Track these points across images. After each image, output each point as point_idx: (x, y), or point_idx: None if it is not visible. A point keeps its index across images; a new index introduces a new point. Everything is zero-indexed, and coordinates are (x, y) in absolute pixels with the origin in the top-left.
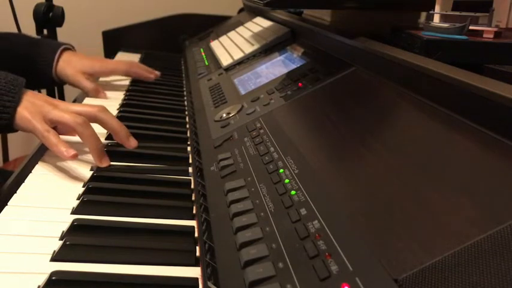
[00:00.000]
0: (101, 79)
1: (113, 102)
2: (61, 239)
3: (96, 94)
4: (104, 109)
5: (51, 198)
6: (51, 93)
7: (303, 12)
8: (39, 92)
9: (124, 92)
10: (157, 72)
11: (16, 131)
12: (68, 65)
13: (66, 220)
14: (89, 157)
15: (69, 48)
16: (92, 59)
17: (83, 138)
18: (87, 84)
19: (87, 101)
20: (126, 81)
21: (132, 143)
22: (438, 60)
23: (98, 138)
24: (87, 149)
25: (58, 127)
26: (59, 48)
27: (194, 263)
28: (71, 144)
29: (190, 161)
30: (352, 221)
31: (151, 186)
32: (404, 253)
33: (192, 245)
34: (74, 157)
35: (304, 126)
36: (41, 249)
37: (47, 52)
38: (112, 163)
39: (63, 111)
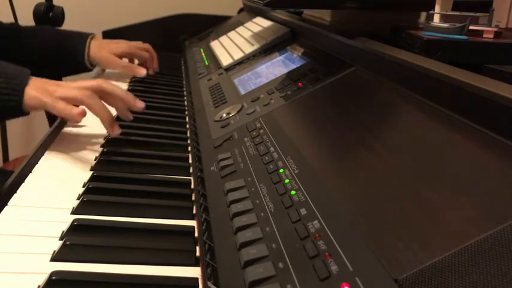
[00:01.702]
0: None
1: None
2: (61, 239)
3: (132, 72)
4: (105, 81)
5: (51, 198)
6: None
7: (303, 12)
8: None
9: (127, 85)
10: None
11: (26, 113)
12: (99, 50)
13: (66, 220)
14: (89, 157)
15: (94, 36)
16: (117, 41)
17: (93, 109)
18: (122, 63)
19: None
20: (126, 81)
21: (140, 105)
22: (438, 60)
23: (107, 108)
24: (87, 149)
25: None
26: (88, 36)
27: (194, 263)
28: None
29: (190, 161)
30: (352, 221)
31: (151, 186)
32: (404, 253)
33: (192, 245)
34: (82, 115)
35: (304, 126)
36: (41, 249)
37: (78, 42)
38: (113, 163)
39: (69, 88)
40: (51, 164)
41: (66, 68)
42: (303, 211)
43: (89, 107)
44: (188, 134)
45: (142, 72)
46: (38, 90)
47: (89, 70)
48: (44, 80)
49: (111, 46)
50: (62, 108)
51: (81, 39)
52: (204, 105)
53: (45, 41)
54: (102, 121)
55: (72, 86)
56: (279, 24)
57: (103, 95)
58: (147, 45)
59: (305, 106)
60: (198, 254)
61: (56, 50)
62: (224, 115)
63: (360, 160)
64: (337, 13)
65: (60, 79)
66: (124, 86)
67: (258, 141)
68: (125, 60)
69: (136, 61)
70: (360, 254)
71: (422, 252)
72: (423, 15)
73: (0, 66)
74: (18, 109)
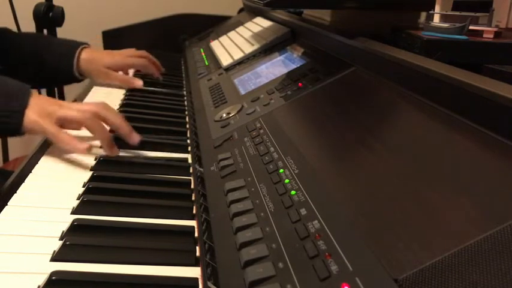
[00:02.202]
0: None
1: (113, 102)
2: (61, 239)
3: (129, 85)
4: (106, 106)
5: (51, 198)
6: (51, 93)
7: (303, 12)
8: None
9: (124, 92)
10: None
11: (24, 134)
12: (91, 62)
13: (66, 220)
14: (89, 157)
15: (86, 46)
16: (111, 54)
17: (93, 131)
18: (119, 77)
19: (88, 99)
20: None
21: (135, 139)
22: (438, 60)
23: (106, 130)
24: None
25: (64, 125)
26: (79, 47)
27: (194, 263)
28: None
29: (190, 161)
30: (352, 221)
31: (151, 186)
32: (404, 253)
33: (192, 245)
34: (89, 149)
35: (304, 126)
36: (41, 249)
37: (67, 51)
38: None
39: (70, 109)
40: (51, 164)
41: (56, 77)
42: (303, 211)
43: (88, 128)
44: (188, 134)
45: (138, 83)
46: (38, 113)
47: (80, 80)
48: (45, 99)
49: (104, 59)
50: (67, 141)
51: (72, 49)
52: (204, 105)
53: (36, 49)
54: (101, 142)
55: (73, 108)
56: (279, 24)
57: (101, 119)
58: (143, 52)
59: (305, 106)
60: (198, 254)
61: (45, 58)
62: (224, 115)
63: (360, 160)
64: (337, 13)
65: (54, 87)
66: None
67: (258, 141)
68: (120, 73)
69: (131, 71)
70: (360, 254)
71: (422, 252)
72: (423, 15)
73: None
74: (17, 132)
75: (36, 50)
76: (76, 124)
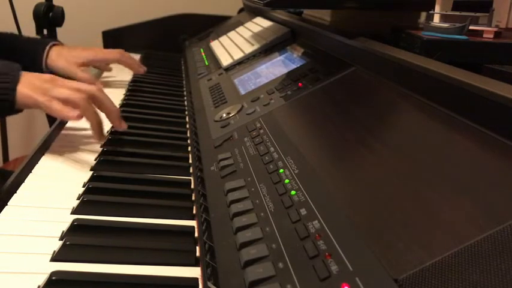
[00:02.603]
0: (101, 79)
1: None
2: (61, 239)
3: (81, 79)
4: (101, 88)
5: (51, 198)
6: None
7: (303, 12)
8: None
9: (124, 92)
10: (145, 68)
11: (19, 111)
12: (59, 58)
13: (66, 220)
14: (89, 157)
15: (58, 44)
16: (81, 49)
17: (86, 113)
18: (82, 75)
19: None
20: (126, 81)
21: (122, 125)
22: (438, 60)
23: (98, 115)
24: (87, 149)
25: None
26: (48, 44)
27: (194, 263)
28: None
29: (190, 161)
30: (352, 221)
31: (151, 186)
32: (404, 253)
33: (192, 245)
34: (79, 117)
35: (304, 126)
36: (41, 249)
37: (35, 49)
38: (113, 163)
39: (65, 88)
40: (51, 164)
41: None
42: (303, 211)
43: (82, 110)
44: (188, 134)
45: (85, 76)
46: (31, 87)
47: None
48: (36, 74)
49: (73, 54)
50: (58, 109)
51: (40, 45)
52: (204, 105)
53: (5, 46)
54: (92, 126)
55: (67, 86)
56: (279, 24)
57: (94, 101)
58: (119, 50)
59: (305, 106)
60: (198, 254)
61: (15, 56)
62: (224, 115)
63: (360, 160)
64: (337, 13)
65: None
66: (124, 84)
67: (258, 141)
68: (90, 68)
69: (91, 69)
70: (360, 254)
71: (422, 252)
72: (423, 15)
73: None
74: (11, 108)
75: (6, 48)
76: (70, 105)
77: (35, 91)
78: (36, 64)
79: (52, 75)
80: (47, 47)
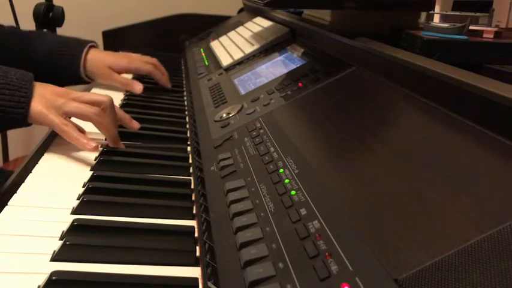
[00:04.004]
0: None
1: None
2: (61, 239)
3: (129, 88)
4: (112, 100)
5: (51, 198)
6: None
7: (303, 12)
8: None
9: (124, 92)
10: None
11: (30, 124)
12: (95, 61)
13: (66, 220)
14: (89, 157)
15: (95, 45)
16: (118, 55)
17: (100, 127)
18: (119, 78)
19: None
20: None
21: (135, 125)
22: (438, 60)
23: (113, 127)
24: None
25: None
26: (86, 45)
27: (194, 263)
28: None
29: (190, 161)
30: (352, 221)
31: (151, 186)
32: (404, 253)
33: (192, 245)
34: (95, 149)
35: (304, 126)
36: (41, 249)
37: (74, 50)
38: (113, 163)
39: (77, 102)
40: (51, 164)
41: (62, 78)
42: (303, 211)
43: (96, 125)
44: (188, 134)
45: (138, 87)
46: (45, 105)
47: (87, 82)
48: (49, 87)
49: (106, 59)
50: (74, 136)
51: (78, 48)
52: (204, 105)
53: (43, 49)
54: (108, 138)
55: (81, 99)
56: (279, 24)
57: (111, 114)
58: (153, 59)
59: (305, 106)
60: (198, 254)
61: (51, 58)
62: (224, 115)
63: (360, 160)
64: (337, 13)
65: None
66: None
67: (258, 141)
68: (124, 75)
69: (129, 75)
70: (360, 254)
71: (422, 252)
72: (423, 15)
73: (2, 75)
74: (23, 122)
75: (44, 50)
76: (85, 120)
77: (50, 110)
78: (75, 67)
79: (65, 89)
80: (84, 51)
